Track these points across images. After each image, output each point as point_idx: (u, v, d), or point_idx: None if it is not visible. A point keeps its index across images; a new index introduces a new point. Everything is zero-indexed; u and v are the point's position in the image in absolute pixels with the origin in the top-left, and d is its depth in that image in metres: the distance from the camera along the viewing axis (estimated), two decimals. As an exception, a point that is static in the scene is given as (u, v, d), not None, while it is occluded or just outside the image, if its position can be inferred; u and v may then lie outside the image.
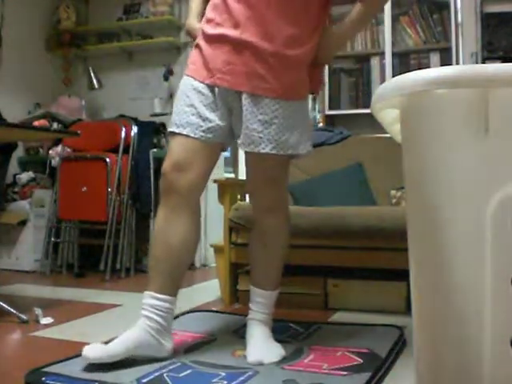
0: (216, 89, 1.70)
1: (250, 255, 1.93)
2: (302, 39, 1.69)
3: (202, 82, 1.71)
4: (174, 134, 1.72)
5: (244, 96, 1.67)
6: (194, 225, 1.74)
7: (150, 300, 1.68)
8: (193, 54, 1.78)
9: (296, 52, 1.67)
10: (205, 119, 1.69)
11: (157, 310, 1.67)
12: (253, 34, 1.65)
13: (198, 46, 1.76)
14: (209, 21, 1.74)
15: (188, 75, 1.76)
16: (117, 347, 1.61)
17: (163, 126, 4.13)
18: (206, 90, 1.70)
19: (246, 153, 1.78)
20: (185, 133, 1.69)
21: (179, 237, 1.70)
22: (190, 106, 1.71)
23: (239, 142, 1.73)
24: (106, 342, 1.65)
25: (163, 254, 1.70)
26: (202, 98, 1.70)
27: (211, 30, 1.72)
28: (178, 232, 1.70)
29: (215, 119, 1.70)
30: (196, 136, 1.69)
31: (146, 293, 1.69)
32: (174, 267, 1.71)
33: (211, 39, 1.71)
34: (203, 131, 1.69)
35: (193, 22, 1.87)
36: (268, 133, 1.67)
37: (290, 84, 1.69)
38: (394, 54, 3.54)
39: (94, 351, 1.59)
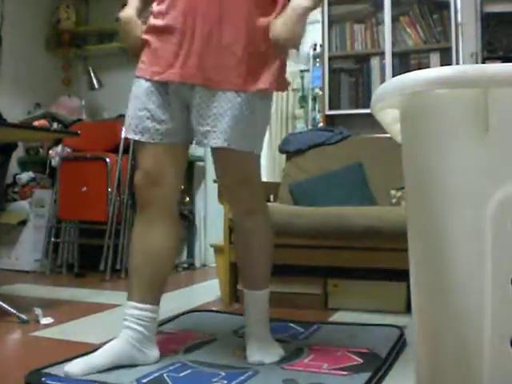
0: (170, 86, 1.62)
1: (237, 257, 1.90)
2: (258, 21, 1.58)
3: (152, 81, 1.63)
4: (136, 141, 1.66)
5: (197, 89, 1.59)
6: (172, 231, 1.70)
7: (132, 310, 1.64)
8: (142, 53, 1.68)
9: (253, 36, 1.57)
10: (160, 122, 1.63)
11: (139, 319, 1.63)
12: (202, 22, 1.56)
13: (146, 43, 1.66)
14: (154, 14, 1.66)
15: (138, 76, 1.67)
16: (100, 360, 1.58)
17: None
18: (157, 89, 1.63)
19: (212, 154, 1.71)
20: (143, 140, 1.64)
21: (159, 245, 1.66)
22: (143, 110, 1.63)
23: (194, 139, 1.66)
24: (88, 352, 1.63)
25: (143, 264, 1.66)
26: (153, 98, 1.63)
27: (157, 21, 1.64)
28: (157, 240, 1.66)
29: (170, 120, 1.64)
30: (155, 141, 1.63)
31: (128, 303, 1.65)
32: (155, 276, 1.67)
33: (158, 31, 1.63)
34: (161, 134, 1.63)
35: (128, 11, 1.69)
36: (220, 125, 1.57)
37: (247, 74, 1.58)
38: (394, 54, 3.53)
39: (76, 367, 1.55)
